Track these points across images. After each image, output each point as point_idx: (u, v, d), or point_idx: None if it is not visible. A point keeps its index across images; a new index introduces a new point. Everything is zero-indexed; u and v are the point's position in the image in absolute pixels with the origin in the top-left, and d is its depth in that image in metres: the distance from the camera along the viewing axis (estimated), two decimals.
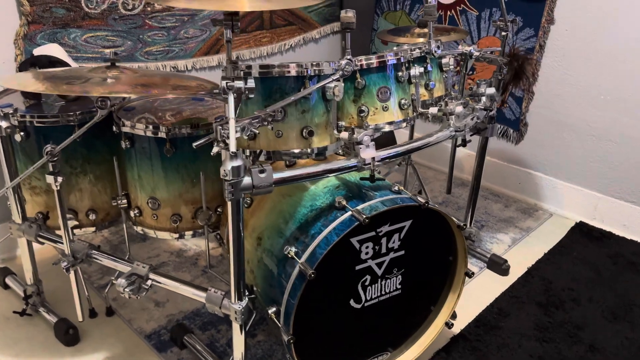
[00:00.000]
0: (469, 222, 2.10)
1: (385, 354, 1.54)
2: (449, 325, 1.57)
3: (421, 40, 1.93)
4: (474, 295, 1.88)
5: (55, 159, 1.34)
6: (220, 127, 1.09)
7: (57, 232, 1.67)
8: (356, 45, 2.98)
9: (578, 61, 2.27)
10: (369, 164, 1.30)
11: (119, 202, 1.64)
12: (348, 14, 1.28)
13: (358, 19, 1.31)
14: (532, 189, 2.57)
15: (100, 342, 1.64)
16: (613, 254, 2.17)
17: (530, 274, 2.04)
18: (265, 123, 1.18)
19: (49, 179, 1.35)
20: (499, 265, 2.04)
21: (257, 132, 1.17)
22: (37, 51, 1.66)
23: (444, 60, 1.65)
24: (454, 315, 1.60)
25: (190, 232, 1.64)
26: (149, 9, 2.11)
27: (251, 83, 1.10)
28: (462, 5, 2.57)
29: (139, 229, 1.65)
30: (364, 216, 1.23)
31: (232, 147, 1.04)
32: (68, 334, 1.61)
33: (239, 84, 1.07)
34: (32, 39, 1.85)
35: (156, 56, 2.21)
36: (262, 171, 1.16)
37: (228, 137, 1.07)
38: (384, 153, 1.36)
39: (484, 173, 2.02)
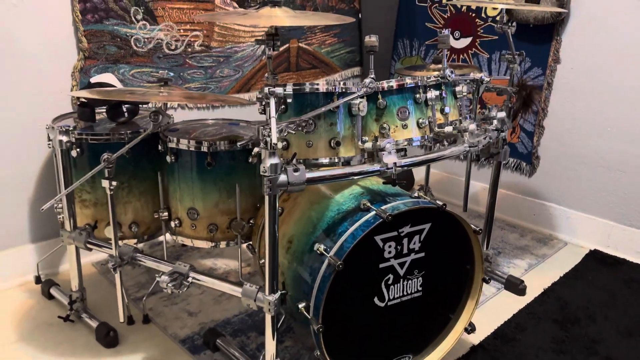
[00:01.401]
0: (485, 246, 2.20)
1: (406, 357, 1.62)
2: (467, 330, 1.65)
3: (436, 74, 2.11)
4: (493, 312, 1.95)
5: (111, 165, 1.51)
6: (262, 128, 1.25)
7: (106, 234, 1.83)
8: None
9: (584, 96, 2.42)
10: (391, 168, 1.44)
11: (161, 214, 1.79)
12: (372, 39, 1.47)
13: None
14: (547, 220, 2.66)
15: (137, 346, 1.74)
16: (627, 279, 2.23)
17: (546, 294, 2.11)
18: (300, 128, 1.34)
19: (105, 183, 1.52)
20: (515, 286, 2.11)
21: (290, 140, 1.32)
22: (94, 79, 1.87)
23: (457, 88, 1.81)
24: (473, 328, 1.68)
25: (225, 242, 1.78)
26: (189, 49, 2.35)
27: (289, 90, 1.27)
28: (473, 49, 2.78)
29: (178, 238, 1.79)
30: (387, 214, 1.36)
31: (274, 139, 1.19)
32: (109, 336, 1.72)
33: (279, 90, 1.24)
34: (87, 72, 2.07)
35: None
36: (296, 170, 1.31)
37: (269, 136, 1.23)
38: (405, 160, 1.50)
39: (499, 205, 2.14)
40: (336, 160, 1.49)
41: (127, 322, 1.82)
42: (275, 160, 1.27)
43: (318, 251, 1.42)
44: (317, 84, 1.44)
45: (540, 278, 2.22)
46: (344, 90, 1.47)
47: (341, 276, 1.35)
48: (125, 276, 2.18)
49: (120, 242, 1.82)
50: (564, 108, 2.50)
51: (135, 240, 1.86)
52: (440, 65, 2.06)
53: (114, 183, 1.52)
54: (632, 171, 2.34)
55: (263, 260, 1.68)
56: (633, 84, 2.28)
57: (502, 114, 1.84)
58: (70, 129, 1.68)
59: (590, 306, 2.02)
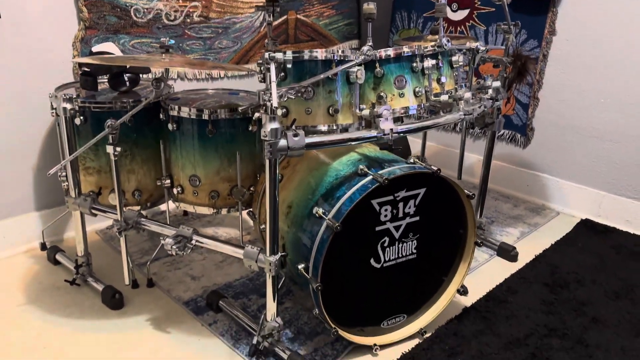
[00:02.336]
0: (479, 214, 2.26)
1: (400, 316, 1.68)
2: (460, 292, 1.72)
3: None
4: (485, 277, 2.02)
5: (115, 131, 1.55)
6: (262, 94, 1.29)
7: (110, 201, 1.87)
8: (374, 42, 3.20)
9: (579, 68, 2.46)
10: (388, 134, 1.48)
11: (164, 181, 1.84)
12: (370, 6, 1.49)
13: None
14: (540, 190, 2.72)
15: (142, 308, 1.80)
16: (617, 245, 2.30)
17: (537, 260, 2.17)
18: (299, 94, 1.38)
19: (109, 149, 1.56)
20: (507, 252, 2.18)
21: (290, 107, 1.35)
22: (95, 49, 1.90)
23: (453, 58, 1.84)
24: (465, 290, 1.75)
25: (226, 209, 1.83)
26: (188, 20, 2.36)
27: (289, 56, 1.30)
28: (470, 21, 2.80)
29: (180, 205, 1.84)
30: (384, 178, 1.41)
31: (275, 103, 1.23)
32: (114, 298, 1.78)
33: (279, 55, 1.27)
34: (88, 42, 2.09)
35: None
36: (296, 135, 1.35)
37: (269, 101, 1.27)
38: (402, 127, 1.54)
39: (494, 176, 2.19)
40: (334, 127, 1.53)
41: (132, 286, 1.89)
42: (275, 125, 1.31)
43: (317, 214, 1.47)
44: (316, 52, 1.48)
45: (532, 245, 2.29)
46: (342, 58, 1.50)
47: (339, 238, 1.41)
48: (129, 243, 2.23)
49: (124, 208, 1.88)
50: (558, 80, 2.54)
51: (138, 207, 1.91)
52: (437, 36, 2.09)
53: (118, 149, 1.56)
54: (624, 141, 2.39)
55: (263, 226, 1.73)
56: (627, 56, 2.31)
57: (497, 83, 1.88)
58: (74, 97, 1.71)
59: (580, 271, 2.09)
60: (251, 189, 1.82)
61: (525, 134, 2.72)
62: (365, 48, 1.52)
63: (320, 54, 1.48)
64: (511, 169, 2.81)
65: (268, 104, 1.27)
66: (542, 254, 2.22)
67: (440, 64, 1.85)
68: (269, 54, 1.26)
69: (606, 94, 2.40)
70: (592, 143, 2.50)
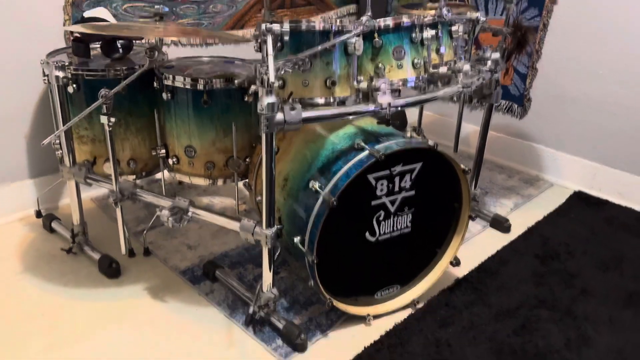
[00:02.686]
0: (473, 186, 2.27)
1: (394, 287, 1.71)
2: (453, 264, 1.74)
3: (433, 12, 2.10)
4: (478, 248, 2.05)
5: (109, 101, 1.52)
6: (259, 66, 1.27)
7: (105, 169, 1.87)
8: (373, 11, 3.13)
9: (578, 38, 2.43)
10: (385, 108, 1.47)
11: (159, 151, 1.83)
12: None
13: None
14: (535, 161, 2.73)
15: (139, 276, 1.82)
16: (609, 217, 2.33)
17: (530, 232, 2.20)
18: (296, 67, 1.36)
19: (103, 119, 1.54)
20: (501, 224, 2.21)
21: (286, 79, 1.33)
22: (87, 14, 1.85)
23: (453, 28, 1.81)
24: (458, 262, 1.77)
25: (222, 180, 1.83)
26: None
27: (286, 27, 1.27)
28: None
29: (176, 175, 1.84)
30: (380, 153, 1.41)
31: (272, 77, 1.22)
32: (111, 267, 1.80)
33: (276, 27, 1.25)
34: (79, 6, 2.04)
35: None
36: (292, 108, 1.34)
37: (266, 74, 1.25)
38: (400, 101, 1.53)
39: (489, 146, 2.18)
40: (331, 100, 1.51)
41: (129, 255, 1.90)
42: (272, 99, 1.29)
43: (313, 188, 1.48)
44: (314, 22, 1.44)
45: (525, 217, 2.31)
46: (340, 28, 1.47)
47: (335, 212, 1.42)
48: (124, 211, 2.24)
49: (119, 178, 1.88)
50: (558, 50, 2.51)
51: (133, 177, 1.90)
52: (437, 4, 2.05)
53: (112, 119, 1.54)
54: (620, 113, 2.39)
55: (260, 198, 1.74)
56: (627, 28, 2.28)
57: (496, 55, 1.85)
58: (66, 64, 1.68)
59: (571, 243, 2.12)
60: (247, 159, 1.81)
61: (522, 105, 2.70)
62: (364, 18, 1.49)
63: (318, 24, 1.45)
64: (507, 139, 2.81)
65: (265, 77, 1.25)
66: (534, 225, 2.25)
67: (440, 34, 1.82)
68: (266, 26, 1.24)
69: (605, 65, 2.38)
70: (588, 115, 2.49)
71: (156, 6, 2.17)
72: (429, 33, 1.69)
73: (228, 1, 2.49)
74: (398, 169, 1.51)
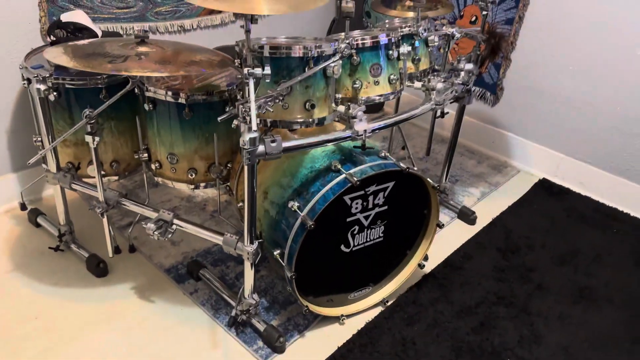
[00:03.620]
0: (444, 178, 2.38)
1: (367, 287, 1.85)
2: (421, 266, 1.89)
3: (411, 14, 2.13)
4: (445, 241, 2.19)
5: (92, 121, 1.56)
6: (241, 106, 1.32)
7: (85, 180, 1.92)
8: None
9: (552, 34, 2.49)
10: (362, 135, 1.55)
11: (141, 155, 1.88)
12: (348, 4, 1.49)
13: None
14: (504, 148, 2.85)
15: (126, 275, 1.92)
16: (568, 208, 2.49)
17: (494, 224, 2.35)
18: (277, 101, 1.41)
19: (88, 138, 1.58)
20: (467, 216, 2.34)
21: (271, 109, 1.39)
22: (65, 17, 1.83)
23: (429, 37, 1.87)
24: (426, 258, 1.91)
25: (204, 184, 1.90)
26: None
27: (267, 70, 1.32)
28: None
29: (159, 179, 1.90)
30: (356, 179, 1.50)
31: (254, 126, 1.28)
32: (99, 267, 1.89)
33: (258, 71, 1.29)
34: (54, 1, 2.01)
35: (165, 16, 2.37)
36: (273, 141, 1.41)
37: (248, 115, 1.31)
38: (375, 125, 1.60)
39: (462, 131, 2.28)
40: (310, 121, 1.58)
41: (114, 251, 1.98)
42: (254, 134, 1.36)
43: (292, 208, 1.57)
44: (292, 50, 1.48)
45: (491, 206, 2.46)
46: (319, 54, 1.52)
47: (312, 233, 1.52)
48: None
49: (104, 180, 1.93)
50: (531, 43, 2.57)
51: (117, 177, 1.96)
52: (415, 3, 2.07)
53: (97, 138, 1.58)
54: (584, 109, 2.50)
55: (241, 204, 1.82)
56: (596, 27, 2.34)
57: (470, 66, 1.92)
58: (47, 76, 1.68)
59: (531, 235, 2.28)
60: (228, 165, 1.88)
61: (495, 93, 2.79)
62: (342, 45, 1.53)
63: (297, 50, 1.49)
64: (479, 125, 2.91)
65: (247, 117, 1.31)
66: (498, 216, 2.40)
67: (417, 44, 1.88)
68: (248, 71, 1.28)
69: (574, 61, 2.46)
70: (555, 107, 2.60)
71: (126, 8, 2.14)
72: (405, 49, 1.74)
73: None
74: (372, 188, 1.61)
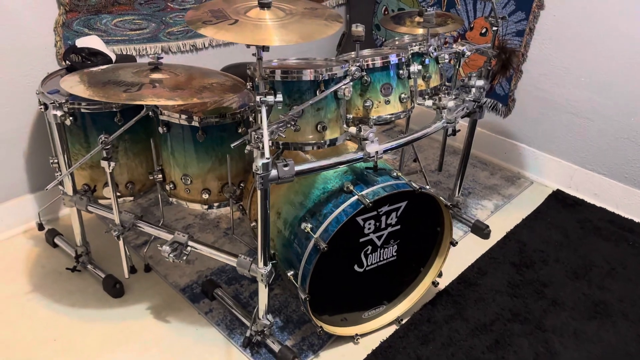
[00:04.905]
0: (457, 192, 2.38)
1: (381, 306, 1.86)
2: (435, 284, 1.89)
3: (421, 31, 2.13)
4: (458, 256, 2.19)
5: (108, 147, 1.59)
6: (254, 133, 1.34)
7: (101, 201, 1.95)
8: (360, 18, 3.14)
9: (563, 45, 2.48)
10: (373, 156, 1.56)
11: (155, 176, 1.90)
12: (358, 29, 1.50)
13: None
14: (516, 159, 2.84)
15: (142, 295, 1.94)
16: (582, 219, 2.48)
17: (508, 238, 2.34)
18: (289, 125, 1.43)
19: (104, 164, 1.61)
20: (481, 230, 2.34)
21: (284, 135, 1.41)
22: (80, 42, 1.86)
23: (440, 55, 1.87)
24: (439, 274, 1.91)
25: (217, 204, 1.92)
26: None
27: (279, 97, 1.33)
28: None
29: (173, 200, 1.92)
30: (368, 201, 1.51)
31: (267, 153, 1.29)
32: (115, 287, 1.91)
33: (270, 99, 1.31)
34: (69, 26, 2.05)
35: (177, 36, 2.40)
36: (286, 165, 1.42)
37: (261, 142, 1.33)
38: (386, 146, 1.61)
39: (474, 142, 2.28)
40: (322, 142, 1.59)
41: (131, 271, 2.01)
42: (266, 159, 1.37)
43: (305, 230, 1.58)
44: (303, 73, 1.50)
45: (504, 219, 2.45)
46: (330, 77, 1.53)
47: (325, 254, 1.53)
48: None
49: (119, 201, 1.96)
50: (543, 54, 2.56)
51: (132, 198, 1.98)
52: (425, 20, 2.07)
53: (113, 164, 1.61)
54: (597, 120, 2.48)
55: (254, 224, 1.84)
56: (609, 38, 2.33)
57: (481, 82, 1.92)
58: (63, 102, 1.72)
59: (546, 248, 2.27)
60: (241, 185, 1.90)
61: (507, 104, 2.78)
62: (353, 69, 1.54)
63: (308, 74, 1.51)
64: (491, 136, 2.91)
65: (260, 144, 1.33)
66: (512, 230, 2.39)
67: (427, 62, 1.89)
68: (260, 99, 1.30)
69: (586, 73, 2.45)
70: (568, 118, 2.58)
71: (139, 30, 2.17)
72: (415, 67, 1.75)
73: None
74: (385, 209, 1.61)
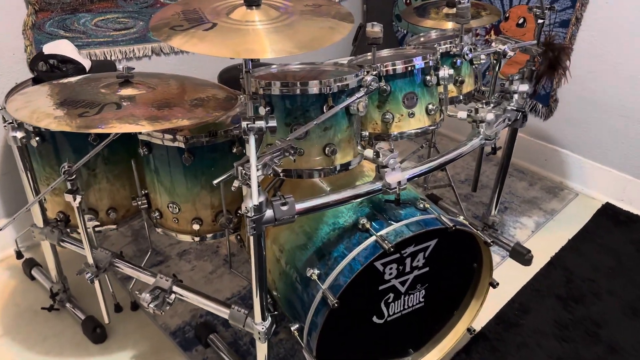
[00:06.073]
0: (493, 209, 2.05)
1: (407, 357, 1.56)
2: (470, 331, 1.58)
3: (450, 25, 1.81)
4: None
5: (73, 177, 1.31)
6: (240, 168, 1.04)
7: (79, 230, 1.69)
8: (377, 12, 2.80)
9: (615, 37, 2.12)
10: (395, 188, 1.25)
11: (139, 202, 1.63)
12: (375, 29, 1.19)
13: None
14: (559, 167, 2.50)
15: (126, 339, 1.68)
16: (637, 240, 2.13)
17: (552, 264, 2.02)
18: (287, 154, 1.13)
19: (68, 197, 1.34)
20: (522, 256, 2.01)
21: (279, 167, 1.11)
22: (48, 48, 1.58)
23: (476, 56, 1.55)
24: (474, 331, 1.60)
25: (211, 235, 1.63)
26: None
27: (272, 122, 1.03)
28: None
29: (159, 230, 1.64)
30: (389, 245, 1.20)
31: (255, 195, 1.00)
32: (95, 332, 1.65)
33: (260, 124, 1.01)
34: (41, 28, 1.77)
35: None
36: (284, 204, 1.13)
37: (249, 178, 1.03)
38: (411, 172, 1.30)
39: None
40: (331, 168, 1.29)
41: (115, 310, 1.75)
42: (258, 199, 1.08)
43: (312, 277, 1.28)
44: (307, 86, 1.20)
45: (547, 241, 2.12)
46: (340, 88, 1.23)
47: (336, 308, 1.23)
48: (110, 245, 2.08)
49: (99, 228, 1.69)
50: (591, 49, 2.21)
51: (115, 226, 1.71)
52: (458, 14, 1.75)
53: (79, 197, 1.33)
54: None
55: None
56: None
57: (525, 87, 1.59)
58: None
59: (596, 277, 1.94)
60: (238, 212, 1.61)
61: (548, 105, 2.43)
62: (369, 78, 1.23)
63: (313, 86, 1.21)
64: (530, 141, 2.56)
65: (249, 182, 1.03)
66: (557, 255, 2.06)
67: (458, 63, 1.57)
68: (247, 125, 1.00)
69: None
70: (620, 122, 2.23)
71: (124, 30, 1.88)
72: (445, 72, 1.44)
73: None
74: (409, 250, 1.31)
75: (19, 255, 1.94)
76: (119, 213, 1.70)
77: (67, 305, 1.75)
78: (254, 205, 1.07)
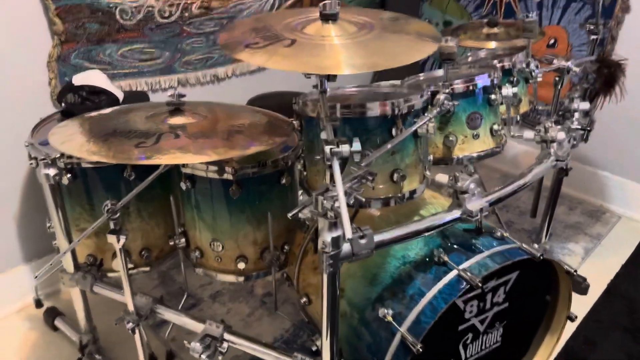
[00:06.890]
0: (545, 236, 1.94)
1: None
2: None
3: (493, 44, 1.74)
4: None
5: (116, 216, 1.19)
6: (321, 197, 0.93)
7: (110, 274, 1.55)
8: None
9: None
10: (477, 216, 1.14)
11: (177, 242, 1.50)
12: (449, 44, 1.10)
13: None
14: (598, 189, 2.40)
15: None
16: None
17: (610, 292, 1.90)
18: (364, 181, 1.02)
19: (111, 238, 1.21)
20: (578, 284, 1.87)
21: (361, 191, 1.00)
22: (78, 79, 1.48)
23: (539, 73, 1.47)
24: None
25: (256, 273, 1.50)
26: (186, 14, 1.92)
27: (357, 146, 0.92)
28: None
29: (199, 271, 1.51)
30: (477, 280, 1.08)
31: (347, 225, 0.88)
32: None
33: (345, 149, 0.90)
34: (66, 60, 1.68)
35: (195, 65, 2.02)
36: (362, 237, 1.01)
37: (331, 209, 0.91)
38: (492, 197, 1.19)
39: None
40: (400, 196, 1.18)
41: None
42: (337, 232, 0.96)
43: (385, 318, 1.15)
44: (373, 107, 1.10)
45: (600, 267, 2.01)
46: (409, 110, 1.13)
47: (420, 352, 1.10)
48: (136, 287, 1.93)
49: (131, 272, 1.55)
50: (629, 67, 2.14)
51: (148, 268, 1.58)
52: (496, 31, 1.69)
53: (123, 237, 1.21)
54: None
55: (305, 299, 1.43)
56: None
57: (586, 105, 1.50)
58: (57, 156, 1.33)
59: None
60: (285, 247, 1.49)
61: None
62: (442, 97, 1.14)
63: (378, 108, 1.11)
64: None
65: (331, 213, 0.91)
66: (613, 281, 1.94)
67: (514, 81, 1.49)
68: (331, 149, 0.89)
69: None
70: None
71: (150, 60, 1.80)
72: (508, 90, 1.35)
73: None
74: (491, 284, 1.19)
75: (38, 303, 1.79)
76: (152, 254, 1.57)
77: (97, 357, 1.59)
78: (333, 237, 0.95)
